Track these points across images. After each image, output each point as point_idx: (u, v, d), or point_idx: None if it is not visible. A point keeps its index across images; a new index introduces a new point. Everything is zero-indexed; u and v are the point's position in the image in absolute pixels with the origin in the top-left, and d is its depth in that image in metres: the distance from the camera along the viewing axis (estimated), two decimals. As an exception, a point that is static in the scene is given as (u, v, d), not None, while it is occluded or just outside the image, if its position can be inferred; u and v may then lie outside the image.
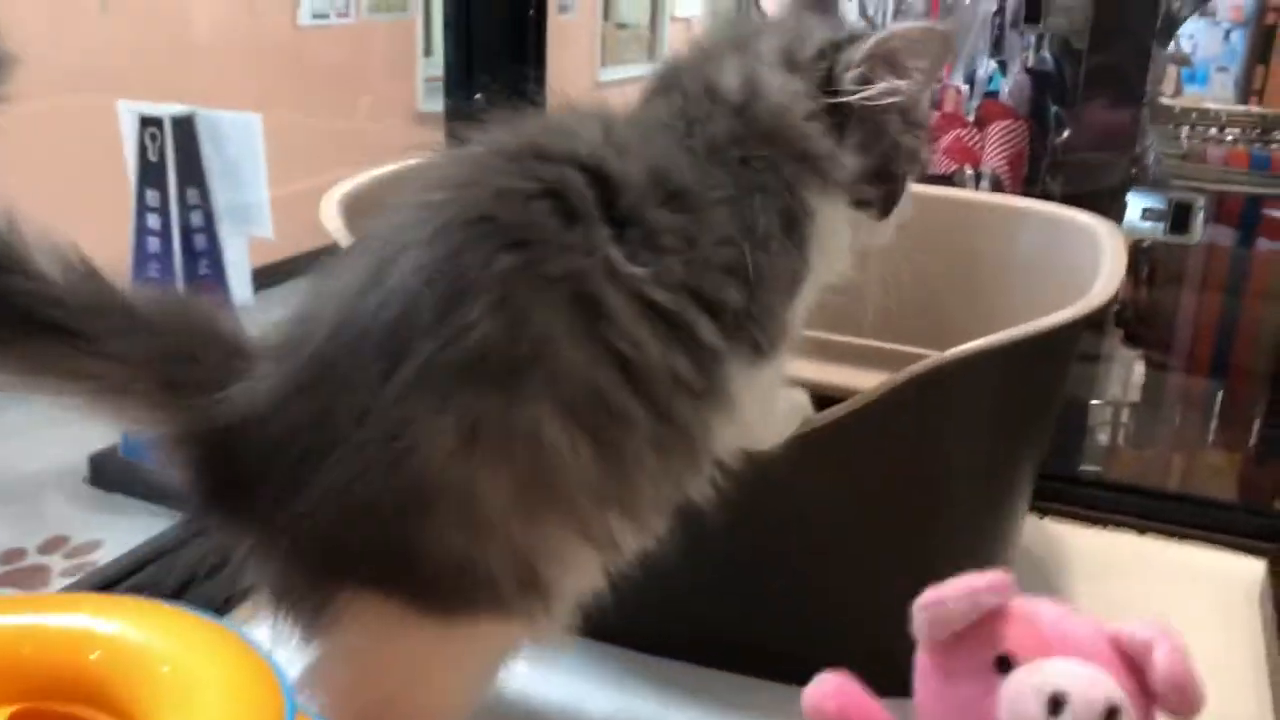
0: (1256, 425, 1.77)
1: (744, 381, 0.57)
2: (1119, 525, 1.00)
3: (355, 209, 0.78)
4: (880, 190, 0.63)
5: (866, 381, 0.67)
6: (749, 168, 0.58)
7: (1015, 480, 0.76)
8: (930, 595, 0.43)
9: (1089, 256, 0.77)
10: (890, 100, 0.61)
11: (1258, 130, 2.14)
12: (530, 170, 0.53)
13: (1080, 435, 1.58)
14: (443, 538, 0.51)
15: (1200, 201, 1.39)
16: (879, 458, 0.68)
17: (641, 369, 0.52)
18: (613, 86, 4.45)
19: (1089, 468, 1.51)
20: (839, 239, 0.63)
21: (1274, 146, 1.87)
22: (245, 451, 0.52)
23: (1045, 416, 0.78)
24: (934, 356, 0.65)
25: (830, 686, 0.49)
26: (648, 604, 0.62)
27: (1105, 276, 0.72)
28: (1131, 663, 0.39)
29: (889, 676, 0.54)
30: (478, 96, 1.07)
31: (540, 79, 1.11)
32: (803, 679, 0.56)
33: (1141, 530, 0.99)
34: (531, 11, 1.10)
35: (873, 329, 0.89)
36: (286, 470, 0.51)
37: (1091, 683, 0.38)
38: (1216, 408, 1.87)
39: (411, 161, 0.62)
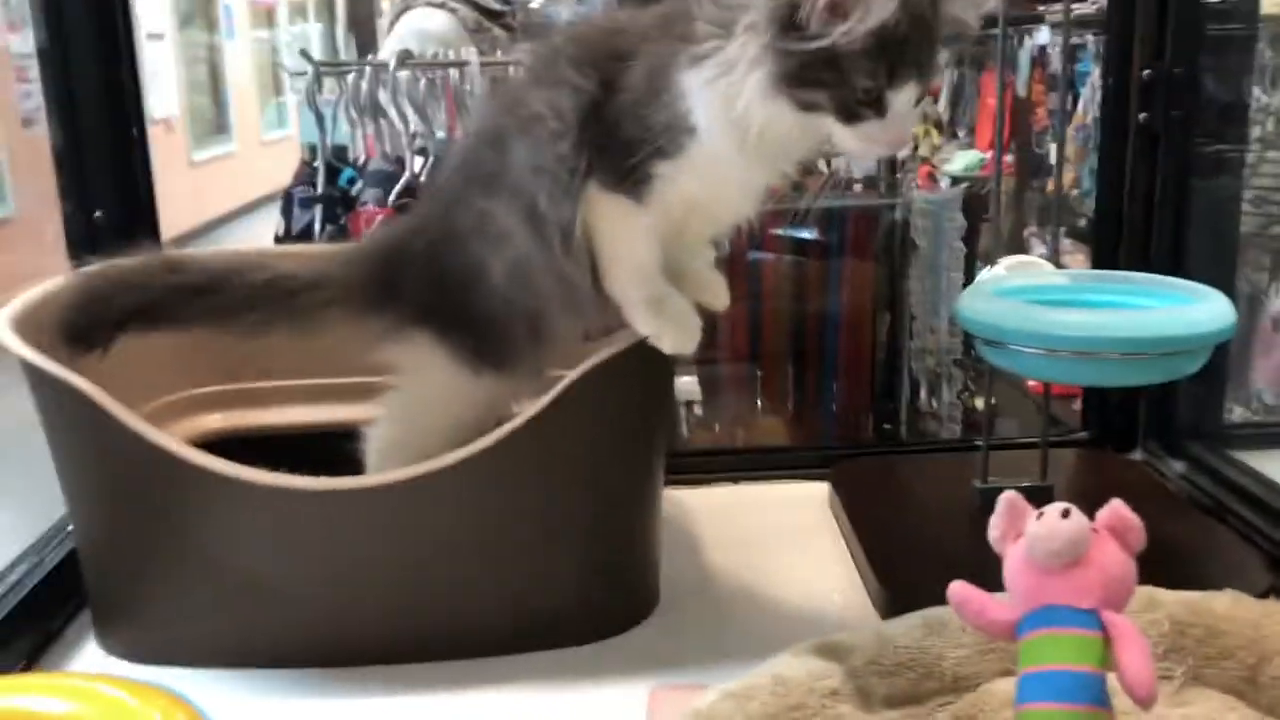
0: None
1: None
2: (717, 481, 1.26)
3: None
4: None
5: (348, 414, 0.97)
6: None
7: (656, 457, 0.97)
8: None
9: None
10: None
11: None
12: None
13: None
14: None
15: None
16: (566, 448, 0.86)
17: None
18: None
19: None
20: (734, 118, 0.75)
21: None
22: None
23: (667, 406, 1.00)
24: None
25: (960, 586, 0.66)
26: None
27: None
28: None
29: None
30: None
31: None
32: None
33: (735, 481, 1.26)
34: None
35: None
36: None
37: None
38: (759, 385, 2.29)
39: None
